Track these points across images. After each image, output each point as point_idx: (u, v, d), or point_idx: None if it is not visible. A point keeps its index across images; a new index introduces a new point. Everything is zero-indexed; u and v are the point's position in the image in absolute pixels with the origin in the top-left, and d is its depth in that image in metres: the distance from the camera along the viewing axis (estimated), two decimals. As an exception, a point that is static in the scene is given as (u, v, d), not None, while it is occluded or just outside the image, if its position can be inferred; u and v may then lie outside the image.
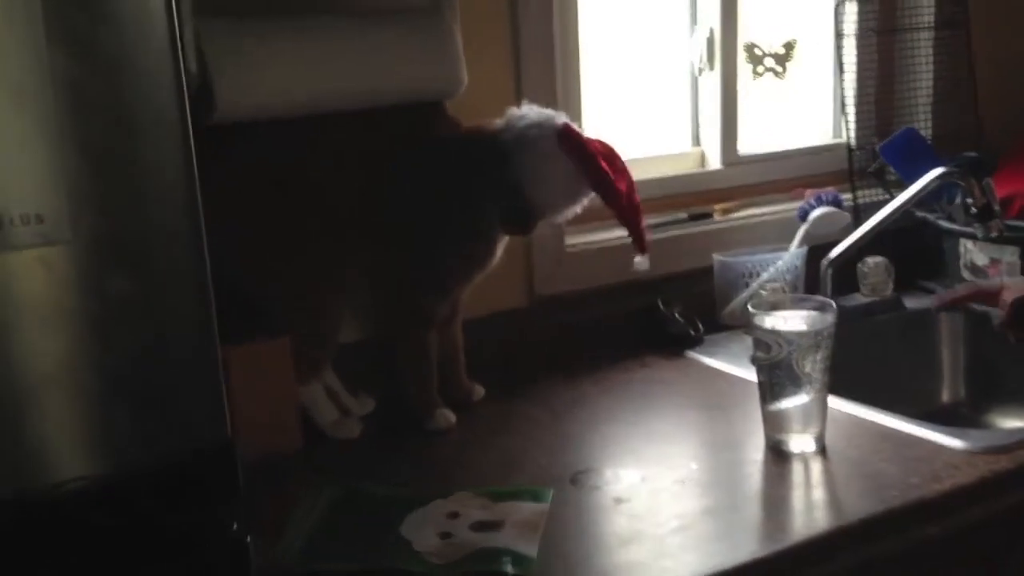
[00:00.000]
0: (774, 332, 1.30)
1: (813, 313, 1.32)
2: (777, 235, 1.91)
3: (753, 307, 1.33)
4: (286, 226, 1.36)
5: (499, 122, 1.41)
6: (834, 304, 1.32)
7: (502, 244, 1.48)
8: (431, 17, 1.42)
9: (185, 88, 0.93)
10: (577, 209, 1.46)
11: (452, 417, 1.46)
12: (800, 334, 1.29)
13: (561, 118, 1.40)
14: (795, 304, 1.36)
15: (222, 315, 1.39)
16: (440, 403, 1.47)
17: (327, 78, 1.32)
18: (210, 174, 1.32)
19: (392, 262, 1.43)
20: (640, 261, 1.48)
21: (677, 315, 1.78)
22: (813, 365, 1.30)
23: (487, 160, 1.39)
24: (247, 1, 1.33)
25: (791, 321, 1.32)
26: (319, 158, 1.37)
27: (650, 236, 1.51)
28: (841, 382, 1.46)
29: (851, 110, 2.01)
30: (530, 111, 1.40)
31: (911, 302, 1.93)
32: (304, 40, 1.31)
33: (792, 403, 1.31)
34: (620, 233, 1.79)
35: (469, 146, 1.42)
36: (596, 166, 1.38)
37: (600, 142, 1.44)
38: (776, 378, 1.31)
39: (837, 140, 2.11)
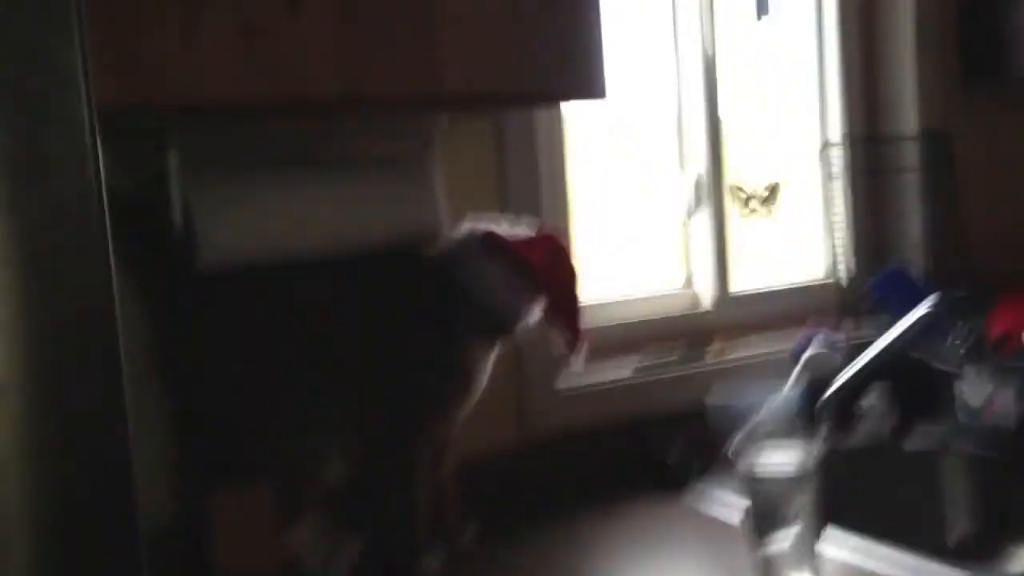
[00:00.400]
0: (757, 478, 1.28)
1: (797, 456, 1.30)
2: (774, 373, 1.89)
3: (734, 453, 1.31)
4: (267, 372, 1.37)
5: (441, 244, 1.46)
6: (815, 447, 1.30)
7: (481, 377, 1.47)
8: (412, 166, 1.47)
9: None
10: (535, 307, 1.44)
11: (436, 563, 1.43)
12: (784, 479, 1.27)
13: (483, 228, 1.43)
14: (780, 448, 1.34)
15: (203, 465, 1.40)
16: (424, 548, 1.44)
17: (309, 227, 1.36)
18: (192, 327, 1.36)
19: (370, 405, 1.43)
20: (574, 359, 1.45)
21: (672, 456, 1.76)
22: (800, 509, 1.27)
23: (432, 289, 1.42)
24: (233, 152, 1.37)
25: (774, 466, 1.30)
26: (301, 308, 1.39)
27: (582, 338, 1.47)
28: (845, 519, 1.44)
29: (840, 249, 2.02)
30: (458, 233, 1.45)
31: (911, 444, 1.89)
32: (288, 191, 1.34)
33: (781, 548, 1.28)
34: (613, 375, 1.82)
35: (417, 280, 1.45)
36: (516, 263, 1.39)
37: (543, 237, 1.45)
38: (763, 523, 1.29)
39: (829, 280, 2.12)
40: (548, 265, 1.40)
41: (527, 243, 1.42)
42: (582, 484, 1.70)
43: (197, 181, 1.27)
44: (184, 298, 1.36)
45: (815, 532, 1.29)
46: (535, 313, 1.44)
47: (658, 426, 1.80)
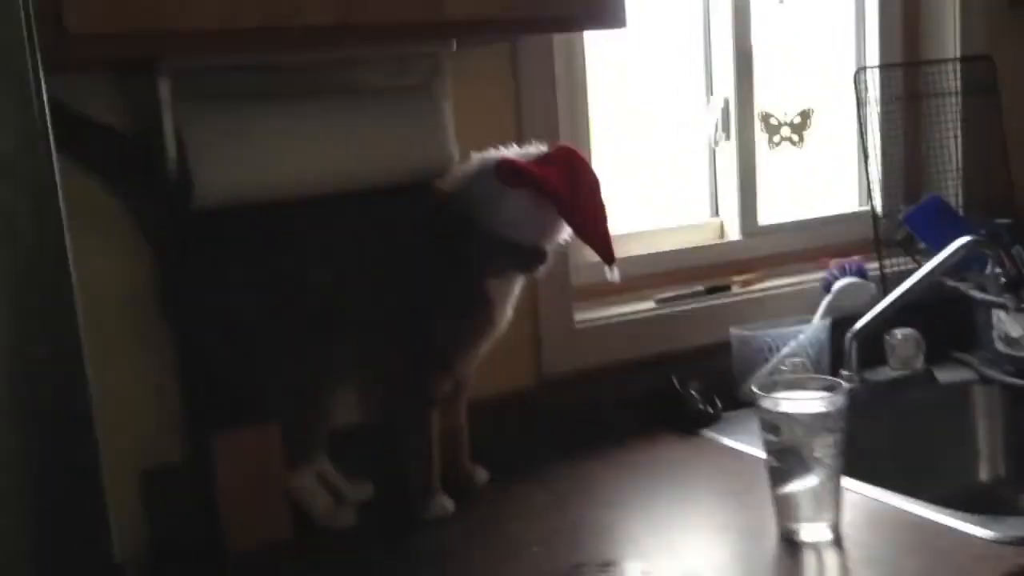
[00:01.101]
0: (780, 415, 1.23)
1: (823, 393, 1.25)
2: (800, 307, 1.84)
3: (758, 387, 1.26)
4: (274, 313, 1.33)
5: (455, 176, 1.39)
6: (844, 384, 1.24)
7: (504, 307, 1.42)
8: (421, 95, 1.40)
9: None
10: (564, 229, 1.37)
11: (450, 505, 1.40)
12: (808, 416, 1.22)
13: (495, 156, 1.34)
14: (804, 384, 1.29)
15: (211, 403, 1.38)
16: (438, 489, 1.41)
17: (312, 162, 1.30)
18: (193, 262, 1.32)
19: (387, 342, 1.39)
20: (609, 272, 1.37)
21: (693, 392, 1.71)
22: (824, 449, 1.22)
23: (451, 223, 1.36)
24: (230, 85, 1.31)
25: (799, 403, 1.25)
26: (306, 244, 1.34)
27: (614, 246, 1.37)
28: (868, 462, 1.39)
29: (876, 178, 1.94)
30: (470, 164, 1.37)
31: (944, 375, 1.83)
32: (288, 123, 1.28)
33: (802, 488, 1.24)
34: (634, 307, 1.77)
35: (438, 219, 1.38)
36: (536, 183, 1.30)
37: (559, 150, 1.37)
38: (785, 462, 1.24)
39: (862, 208, 2.04)
40: (568, 180, 1.30)
41: (543, 160, 1.33)
42: (600, 422, 1.66)
43: (191, 114, 1.22)
44: (186, 236, 1.32)
45: (839, 472, 1.24)
46: (560, 237, 1.37)
47: (681, 361, 1.75)
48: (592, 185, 1.34)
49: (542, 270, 1.37)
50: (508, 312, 1.43)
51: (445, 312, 1.38)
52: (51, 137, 0.74)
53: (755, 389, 1.26)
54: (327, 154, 1.31)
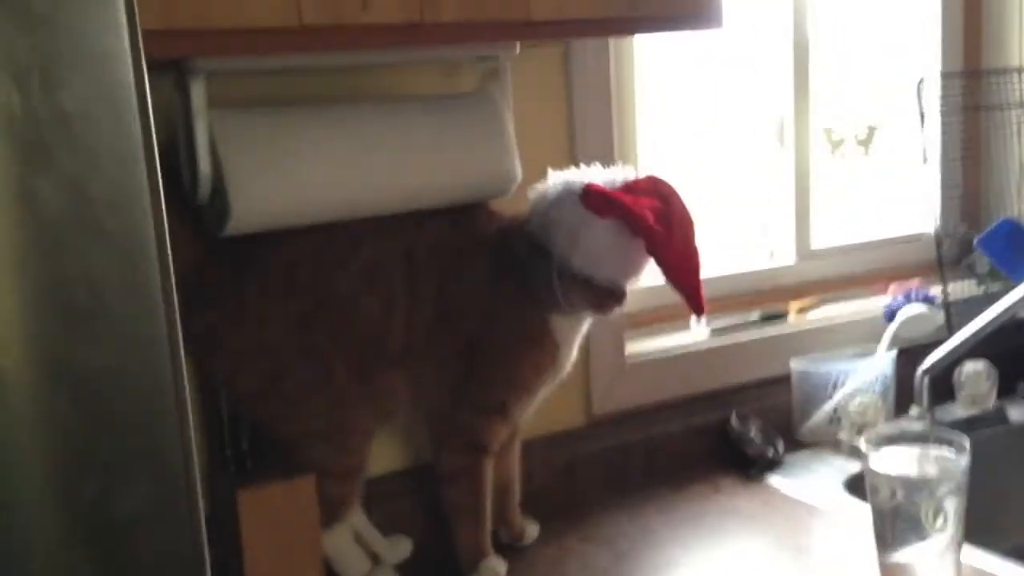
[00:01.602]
0: (894, 477, 1.08)
1: (943, 451, 1.10)
2: (859, 336, 1.71)
3: (868, 443, 1.11)
4: (310, 347, 1.16)
5: (531, 198, 1.22)
6: (967, 443, 1.10)
7: (571, 349, 1.27)
8: (481, 103, 1.23)
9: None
10: (648, 269, 1.21)
11: (502, 569, 1.24)
12: (926, 479, 1.08)
13: (580, 181, 1.18)
14: (913, 438, 1.14)
15: (236, 452, 1.21)
16: (489, 550, 1.25)
17: (360, 180, 1.12)
18: (216, 286, 1.16)
19: (438, 381, 1.23)
20: (696, 321, 1.23)
21: (753, 433, 1.56)
22: (943, 516, 1.07)
23: (520, 251, 1.20)
24: (260, 89, 1.14)
25: (915, 462, 1.10)
26: (351, 270, 1.17)
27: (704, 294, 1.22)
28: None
29: (937, 196, 1.80)
30: (550, 186, 1.20)
31: (1017, 413, 1.70)
32: (334, 134, 1.11)
33: (915, 558, 1.09)
34: (684, 340, 1.62)
35: (504, 245, 1.22)
36: (629, 214, 1.14)
37: (648, 180, 1.21)
38: (896, 528, 1.09)
39: (920, 230, 1.91)
40: (662, 215, 1.15)
41: (631, 189, 1.17)
42: (655, 464, 1.52)
43: (225, 124, 1.04)
44: (210, 257, 1.15)
45: (959, 541, 1.09)
46: (641, 277, 1.21)
47: (736, 396, 1.61)
48: (686, 224, 1.18)
49: (617, 312, 1.21)
50: (573, 354, 1.28)
51: (505, 350, 1.22)
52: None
53: (865, 446, 1.11)
54: (377, 170, 1.13)
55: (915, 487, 1.07)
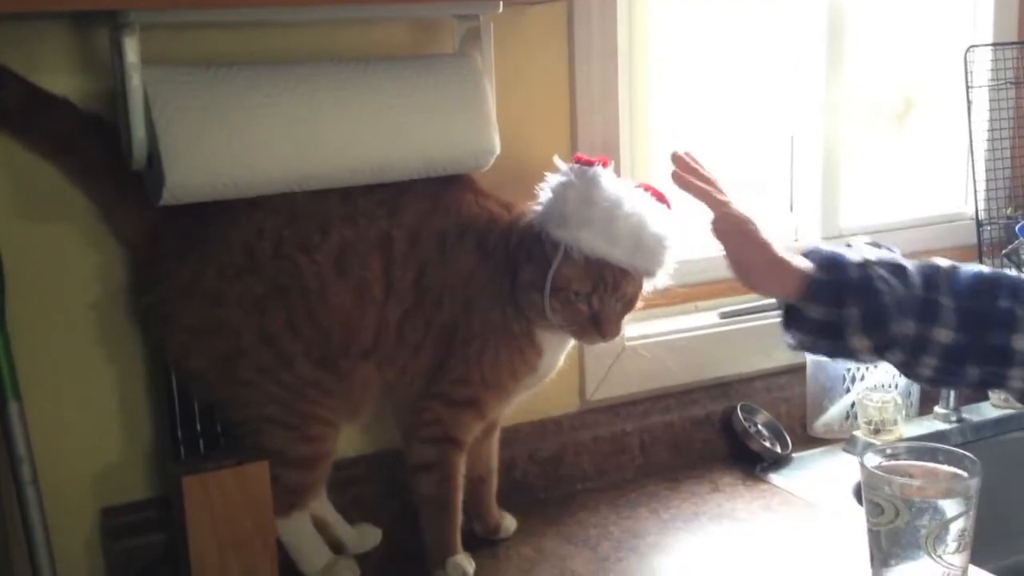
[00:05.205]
0: (895, 498, 0.97)
1: (949, 472, 0.99)
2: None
3: (868, 462, 1.00)
4: (271, 328, 1.08)
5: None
6: (978, 462, 0.98)
7: (555, 358, 1.19)
8: (456, 66, 1.11)
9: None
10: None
11: (470, 568, 1.15)
12: (930, 502, 0.97)
13: (590, 166, 1.10)
14: (922, 455, 1.03)
15: (188, 435, 1.14)
16: (458, 547, 1.16)
17: (316, 147, 1.02)
18: (183, 260, 1.07)
19: (415, 370, 1.14)
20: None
21: (760, 427, 1.46)
22: (944, 546, 0.96)
23: (517, 252, 1.11)
24: (207, 44, 1.05)
25: (917, 480, 0.99)
26: (317, 256, 1.08)
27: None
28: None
29: (980, 176, 1.66)
30: (556, 177, 1.10)
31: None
32: (285, 98, 1.00)
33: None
34: (689, 323, 1.50)
35: (491, 232, 1.13)
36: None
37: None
38: (894, 547, 0.99)
39: (960, 211, 1.77)
40: None
41: None
42: (651, 457, 1.43)
43: (161, 83, 0.94)
44: (163, 229, 1.07)
45: (965, 568, 0.99)
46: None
47: (744, 387, 1.51)
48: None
49: (598, 342, 1.12)
50: (559, 362, 1.20)
51: (484, 346, 1.13)
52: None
53: (864, 464, 1.00)
54: (335, 137, 1.03)
55: (919, 510, 0.96)
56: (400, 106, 1.05)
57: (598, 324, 1.09)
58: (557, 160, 1.11)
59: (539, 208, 1.09)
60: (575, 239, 1.06)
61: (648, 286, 1.14)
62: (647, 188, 1.12)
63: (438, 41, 1.19)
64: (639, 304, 1.15)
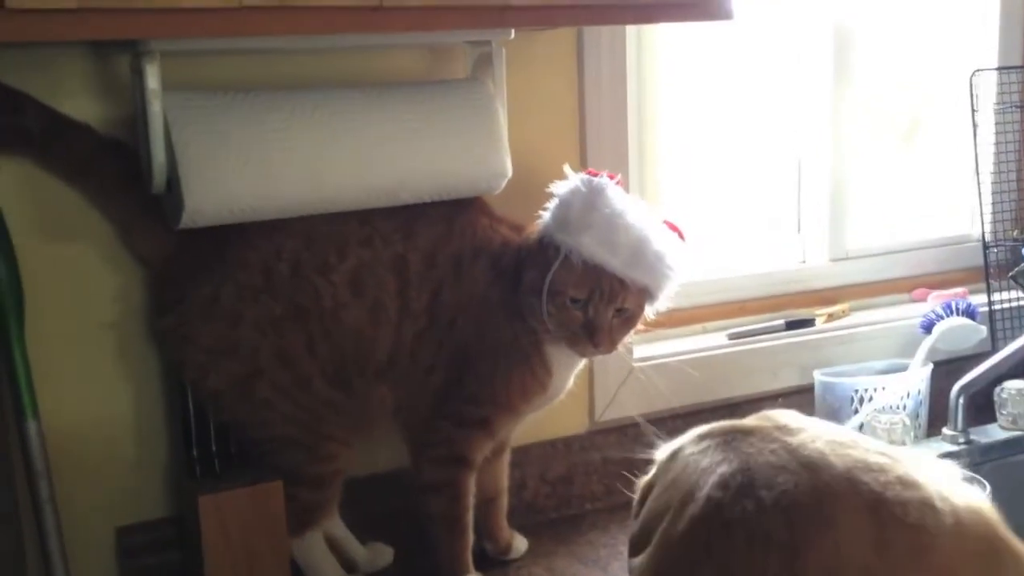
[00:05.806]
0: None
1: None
2: (892, 347, 1.60)
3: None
4: (289, 350, 1.10)
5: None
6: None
7: (565, 377, 1.20)
8: (469, 91, 1.14)
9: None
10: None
11: (479, 587, 1.17)
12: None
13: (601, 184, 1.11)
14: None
15: (204, 455, 1.15)
16: (469, 567, 1.17)
17: (331, 171, 1.05)
18: (202, 281, 1.09)
19: (427, 390, 1.16)
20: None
21: (769, 448, 1.46)
22: None
23: (520, 262, 1.13)
24: (242, 73, 1.07)
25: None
26: (334, 278, 1.10)
27: None
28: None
29: (987, 198, 1.68)
30: (564, 184, 1.12)
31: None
32: (302, 122, 1.03)
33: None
34: (698, 344, 1.52)
35: (505, 254, 1.15)
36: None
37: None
38: None
39: (968, 233, 1.78)
40: None
41: None
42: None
43: (181, 110, 0.97)
44: (180, 251, 1.09)
45: None
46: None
47: (753, 408, 1.49)
48: None
49: (592, 353, 1.15)
50: (568, 384, 1.21)
51: (495, 367, 1.15)
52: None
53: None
54: (350, 160, 1.05)
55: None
56: (414, 130, 1.07)
57: (591, 332, 1.10)
58: (567, 169, 1.13)
59: (546, 215, 1.11)
60: (575, 243, 1.08)
61: (649, 311, 1.15)
62: (670, 225, 1.14)
63: (451, 66, 1.21)
64: (640, 327, 1.16)
